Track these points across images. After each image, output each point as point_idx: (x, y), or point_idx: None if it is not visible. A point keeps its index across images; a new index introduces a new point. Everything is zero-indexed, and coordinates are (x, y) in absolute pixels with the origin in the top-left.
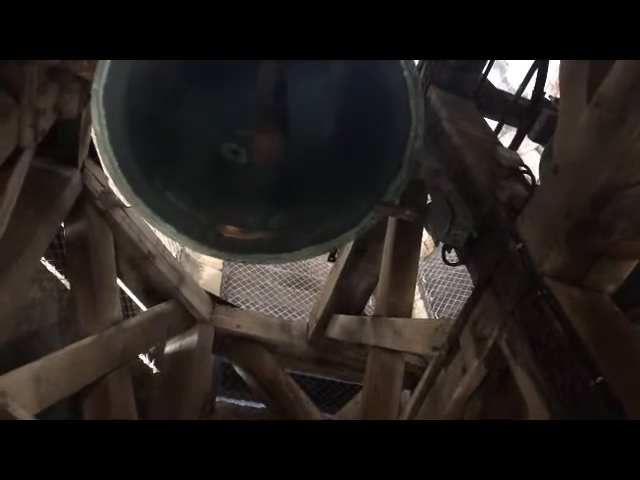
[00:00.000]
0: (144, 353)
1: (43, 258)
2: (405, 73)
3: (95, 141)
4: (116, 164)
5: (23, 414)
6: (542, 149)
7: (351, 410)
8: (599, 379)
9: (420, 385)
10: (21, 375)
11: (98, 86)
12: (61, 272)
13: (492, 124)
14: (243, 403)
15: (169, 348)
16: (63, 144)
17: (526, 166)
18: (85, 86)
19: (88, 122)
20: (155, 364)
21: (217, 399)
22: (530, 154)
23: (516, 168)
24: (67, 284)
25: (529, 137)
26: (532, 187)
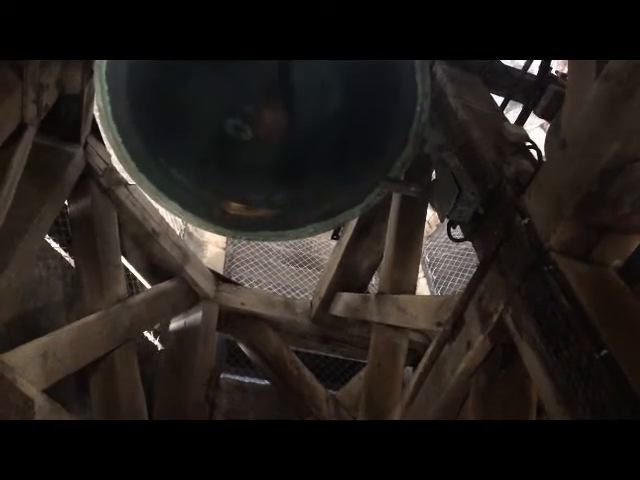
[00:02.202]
0: (149, 330)
1: (47, 235)
2: None
3: (98, 117)
4: (120, 140)
5: (32, 390)
6: (547, 126)
7: (355, 386)
8: (604, 352)
9: (424, 360)
10: (28, 351)
11: (101, 61)
12: (65, 250)
13: (498, 100)
14: (248, 380)
15: (174, 325)
16: (65, 121)
17: (532, 141)
18: (88, 61)
19: (90, 98)
20: (160, 341)
21: (222, 376)
22: (535, 131)
23: (522, 143)
24: (71, 262)
25: (535, 113)
26: (538, 162)
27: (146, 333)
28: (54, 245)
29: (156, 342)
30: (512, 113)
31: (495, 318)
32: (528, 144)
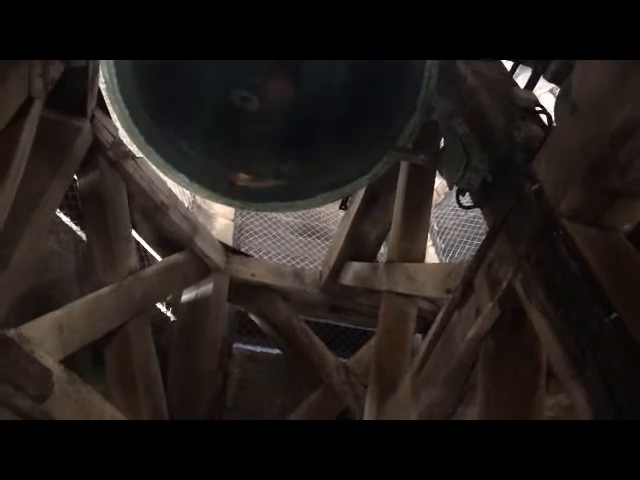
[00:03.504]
0: (161, 302)
1: (58, 210)
2: None
3: (105, 90)
4: (127, 113)
5: (49, 361)
6: (557, 91)
7: (365, 354)
8: (614, 315)
9: (434, 327)
10: (44, 323)
11: None
12: (76, 224)
13: (507, 65)
14: (259, 349)
15: (185, 297)
16: (71, 94)
17: (542, 106)
18: None
19: (96, 71)
20: (172, 312)
21: (234, 345)
22: (544, 96)
23: (532, 108)
24: (83, 235)
25: (544, 77)
26: (549, 127)
27: (158, 305)
28: (65, 219)
29: (169, 313)
30: (521, 78)
31: (504, 285)
32: (538, 109)
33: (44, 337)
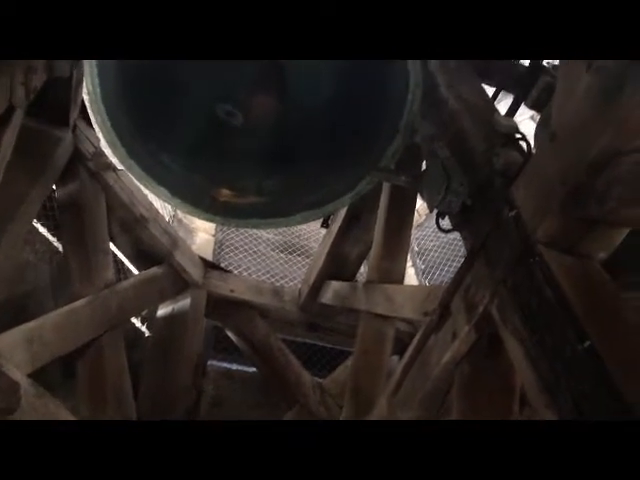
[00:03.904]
0: (137, 316)
1: (35, 220)
2: None
3: (87, 100)
4: (109, 124)
5: (17, 374)
6: (537, 118)
7: (341, 375)
8: (587, 343)
9: (410, 350)
10: (14, 336)
11: None
12: (53, 234)
13: (490, 91)
14: (235, 367)
15: (161, 312)
16: (54, 104)
17: (522, 133)
18: None
19: (79, 81)
20: (147, 327)
21: (209, 362)
22: (525, 122)
23: (512, 135)
24: (59, 246)
25: (526, 104)
26: (528, 154)
27: (133, 319)
28: (42, 230)
29: (143, 328)
30: (503, 104)
31: (481, 309)
32: (518, 136)
33: (13, 350)
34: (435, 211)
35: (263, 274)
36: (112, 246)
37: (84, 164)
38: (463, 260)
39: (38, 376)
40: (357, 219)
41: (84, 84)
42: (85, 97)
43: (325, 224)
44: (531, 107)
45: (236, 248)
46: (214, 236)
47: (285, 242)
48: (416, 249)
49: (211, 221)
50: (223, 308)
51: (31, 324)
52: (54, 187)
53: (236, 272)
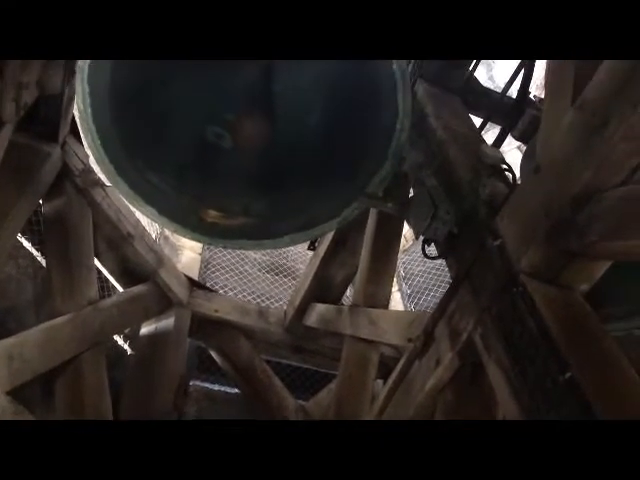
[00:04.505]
0: (119, 334)
1: (19, 234)
2: (394, 66)
3: (78, 118)
4: (98, 142)
5: None
6: (524, 148)
7: (324, 398)
8: (568, 375)
9: (394, 375)
10: None
11: (83, 63)
12: (37, 249)
13: (476, 121)
14: (217, 387)
15: (145, 330)
16: (44, 120)
17: (508, 164)
18: (69, 62)
19: (71, 98)
20: (130, 345)
21: (191, 383)
22: (512, 152)
23: (498, 166)
24: (43, 262)
25: (512, 135)
26: (513, 185)
27: (115, 337)
28: (26, 244)
29: (125, 346)
30: (490, 134)
31: (464, 337)
32: (504, 167)
33: None
34: (421, 238)
35: (249, 294)
36: (97, 263)
37: (72, 180)
38: (448, 287)
39: (18, 393)
40: (344, 243)
41: (75, 102)
42: (76, 115)
43: (312, 246)
44: (517, 138)
45: (222, 267)
46: (200, 255)
47: (272, 263)
48: (402, 274)
49: (198, 241)
50: (207, 328)
51: (11, 340)
52: (40, 202)
53: (222, 292)
